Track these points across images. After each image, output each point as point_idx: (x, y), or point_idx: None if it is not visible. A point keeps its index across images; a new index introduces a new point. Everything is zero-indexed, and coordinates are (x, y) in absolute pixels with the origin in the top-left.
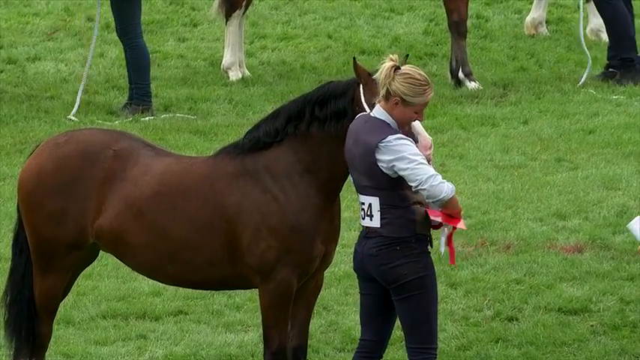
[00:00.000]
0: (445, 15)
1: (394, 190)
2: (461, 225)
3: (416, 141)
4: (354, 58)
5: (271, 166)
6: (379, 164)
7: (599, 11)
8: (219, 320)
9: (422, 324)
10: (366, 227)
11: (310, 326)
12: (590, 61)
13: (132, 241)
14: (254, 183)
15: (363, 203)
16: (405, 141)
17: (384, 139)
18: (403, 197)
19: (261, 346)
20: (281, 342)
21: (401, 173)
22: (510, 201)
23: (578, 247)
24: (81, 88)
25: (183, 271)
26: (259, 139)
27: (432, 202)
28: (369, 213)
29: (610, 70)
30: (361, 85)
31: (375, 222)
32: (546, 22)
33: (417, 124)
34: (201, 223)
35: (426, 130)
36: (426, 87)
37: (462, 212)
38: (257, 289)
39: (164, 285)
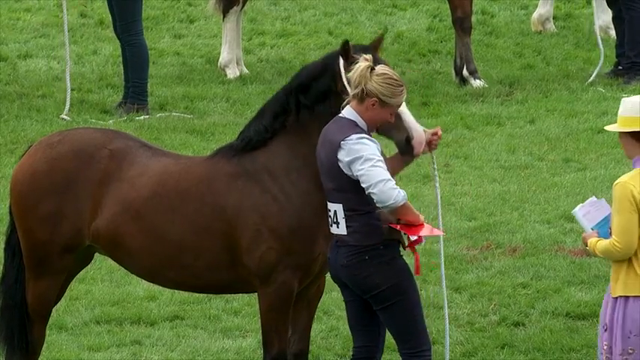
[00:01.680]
0: (449, 11)
1: (357, 192)
2: (424, 232)
3: (408, 139)
4: (347, 41)
5: (269, 164)
6: (340, 164)
7: (624, 12)
8: (216, 325)
9: (408, 329)
10: (336, 235)
11: (311, 332)
12: (603, 58)
13: (129, 244)
14: (253, 183)
15: (330, 210)
16: (367, 141)
17: (347, 137)
18: (367, 201)
19: (260, 352)
20: (281, 347)
21: (356, 174)
22: (517, 202)
23: (587, 250)
24: (68, 86)
25: (182, 275)
26: (251, 139)
27: (382, 207)
28: (335, 220)
29: (619, 67)
30: (341, 61)
31: (342, 229)
32: (553, 18)
33: (408, 118)
34: (199, 225)
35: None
36: (402, 87)
37: (423, 219)
38: (256, 293)
39: (159, 289)
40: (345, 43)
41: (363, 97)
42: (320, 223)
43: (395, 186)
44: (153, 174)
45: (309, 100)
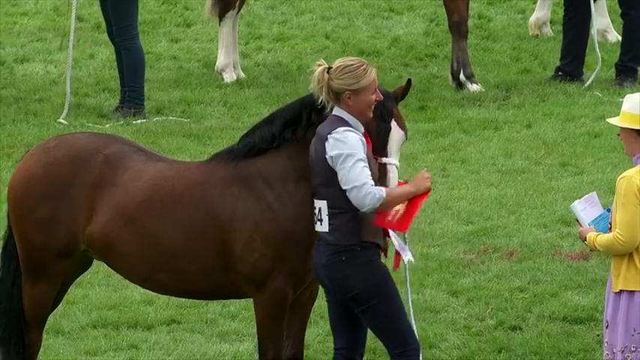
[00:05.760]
0: (446, 15)
1: (341, 189)
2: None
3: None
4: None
5: (266, 172)
6: (326, 157)
7: (625, 10)
8: (213, 330)
9: (391, 330)
10: (318, 233)
11: (307, 336)
12: (600, 62)
13: (123, 249)
14: (248, 190)
15: (315, 207)
16: (351, 135)
17: (334, 130)
18: (349, 199)
19: (256, 356)
20: (276, 353)
21: (337, 170)
22: (513, 207)
23: (584, 254)
24: (68, 90)
25: (175, 280)
26: (255, 144)
27: (360, 210)
28: (319, 217)
29: (559, 73)
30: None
31: (324, 227)
32: (550, 22)
33: (393, 175)
34: (193, 230)
35: (427, 134)
36: (364, 66)
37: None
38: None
39: (157, 293)
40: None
41: (336, 97)
42: (314, 233)
43: (369, 189)
44: (147, 179)
45: (318, 119)
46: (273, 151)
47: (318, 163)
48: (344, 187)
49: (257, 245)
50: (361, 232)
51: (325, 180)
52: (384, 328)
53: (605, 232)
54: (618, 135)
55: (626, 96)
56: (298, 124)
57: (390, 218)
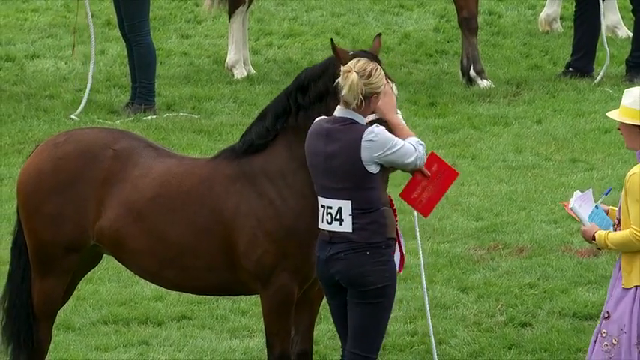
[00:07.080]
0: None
1: (371, 190)
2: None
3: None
4: (332, 40)
5: (267, 167)
6: (364, 162)
7: (635, 9)
8: (223, 325)
9: (369, 332)
10: (331, 232)
11: (317, 332)
12: (609, 58)
13: (132, 245)
14: (251, 186)
15: (331, 207)
16: (382, 129)
17: (365, 134)
18: (375, 199)
19: (266, 352)
20: (283, 348)
21: (390, 158)
22: (524, 203)
23: (594, 250)
24: (88, 88)
25: (182, 276)
26: (253, 141)
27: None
28: (337, 217)
29: (570, 69)
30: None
31: (346, 227)
32: (560, 19)
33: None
34: (199, 227)
35: (437, 130)
36: (378, 65)
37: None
38: None
39: (167, 289)
40: (331, 43)
41: (361, 101)
42: (316, 227)
43: (414, 151)
44: (156, 175)
45: (306, 101)
46: (272, 144)
47: (347, 165)
48: (409, 159)
49: (260, 242)
50: (387, 229)
51: (354, 183)
52: (365, 328)
53: (607, 229)
54: (618, 129)
55: (626, 90)
56: (289, 114)
57: (415, 195)
